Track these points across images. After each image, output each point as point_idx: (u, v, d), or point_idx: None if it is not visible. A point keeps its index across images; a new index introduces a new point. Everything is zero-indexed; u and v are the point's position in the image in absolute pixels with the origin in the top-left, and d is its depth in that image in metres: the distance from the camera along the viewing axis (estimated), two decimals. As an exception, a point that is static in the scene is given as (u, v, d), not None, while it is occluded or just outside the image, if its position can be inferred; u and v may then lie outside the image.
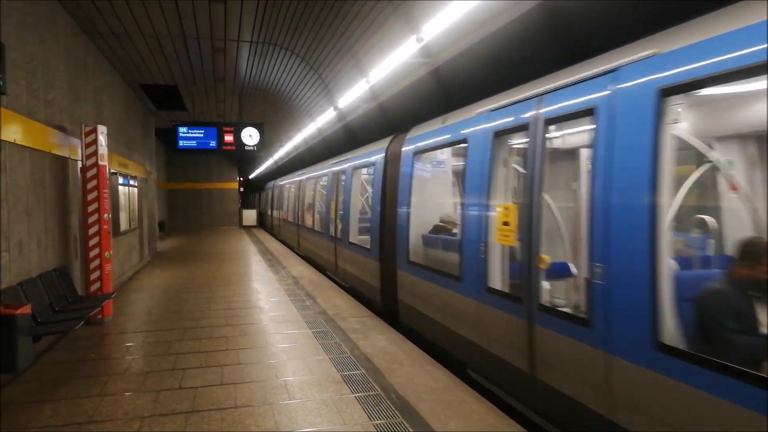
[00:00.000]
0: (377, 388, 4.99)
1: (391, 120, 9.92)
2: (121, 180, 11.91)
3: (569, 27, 4.88)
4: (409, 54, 6.84)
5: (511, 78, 5.42)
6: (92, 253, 7.65)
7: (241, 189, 33.96)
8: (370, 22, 7.44)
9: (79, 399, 4.76)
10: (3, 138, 5.45)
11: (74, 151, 7.89)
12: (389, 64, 7.53)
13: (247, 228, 30.49)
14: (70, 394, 4.90)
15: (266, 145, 16.87)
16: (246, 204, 35.66)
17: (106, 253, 7.74)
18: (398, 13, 6.69)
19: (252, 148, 14.30)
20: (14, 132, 5.73)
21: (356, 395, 4.82)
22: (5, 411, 4.52)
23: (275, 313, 8.22)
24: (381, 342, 6.54)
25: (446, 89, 7.41)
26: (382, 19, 7.16)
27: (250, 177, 39.67)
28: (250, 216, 32.57)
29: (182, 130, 14.11)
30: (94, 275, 7.66)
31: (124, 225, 12.12)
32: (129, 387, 5.08)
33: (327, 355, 6.03)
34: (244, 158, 31.46)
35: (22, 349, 4.89)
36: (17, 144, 5.81)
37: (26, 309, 5.02)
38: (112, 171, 10.69)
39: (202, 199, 30.30)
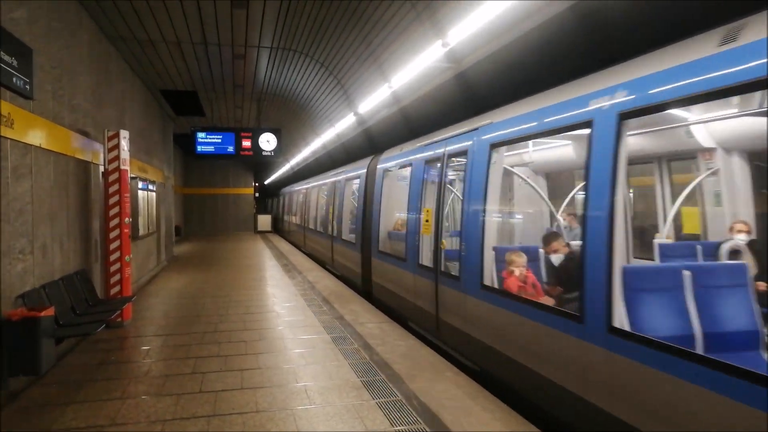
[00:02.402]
0: (398, 394, 4.96)
1: (413, 124, 9.91)
2: (140, 185, 12.02)
3: (595, 32, 4.84)
4: (433, 58, 6.82)
5: (536, 82, 5.39)
6: (113, 257, 7.71)
7: (257, 194, 34.13)
8: (393, 26, 7.44)
9: (101, 402, 4.78)
10: (30, 142, 5.51)
11: (96, 155, 7.98)
12: (413, 69, 7.52)
13: (262, 233, 30.60)
14: (92, 396, 4.92)
15: (283, 150, 16.92)
16: (261, 209, 35.79)
17: (126, 257, 7.80)
18: (422, 17, 6.69)
19: (269, 153, 14.36)
20: (40, 136, 5.81)
21: (377, 401, 4.79)
22: (28, 413, 4.55)
23: (293, 317, 8.22)
24: (400, 348, 6.50)
25: (469, 94, 7.39)
26: (405, 24, 7.17)
27: (266, 183, 39.88)
28: (264, 221, 32.71)
29: (200, 135, 14.21)
30: (115, 278, 7.72)
31: (142, 229, 12.22)
32: (150, 390, 5.09)
33: (346, 361, 6.01)
34: (260, 164, 31.64)
35: (46, 351, 4.93)
36: (42, 148, 5.88)
37: (49, 311, 5.06)
38: (132, 176, 10.79)
39: (218, 204, 30.52)
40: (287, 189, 28.51)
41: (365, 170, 11.38)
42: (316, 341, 6.87)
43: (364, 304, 9.25)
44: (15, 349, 4.76)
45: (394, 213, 10.00)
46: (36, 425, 4.31)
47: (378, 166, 10.37)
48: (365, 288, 10.83)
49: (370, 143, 13.06)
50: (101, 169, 8.03)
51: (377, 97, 9.72)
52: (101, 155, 7.99)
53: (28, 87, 5.34)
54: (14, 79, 5.01)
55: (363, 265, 11.06)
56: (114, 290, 7.72)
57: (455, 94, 7.74)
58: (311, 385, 5.23)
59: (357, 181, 12.16)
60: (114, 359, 6.14)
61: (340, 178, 13.84)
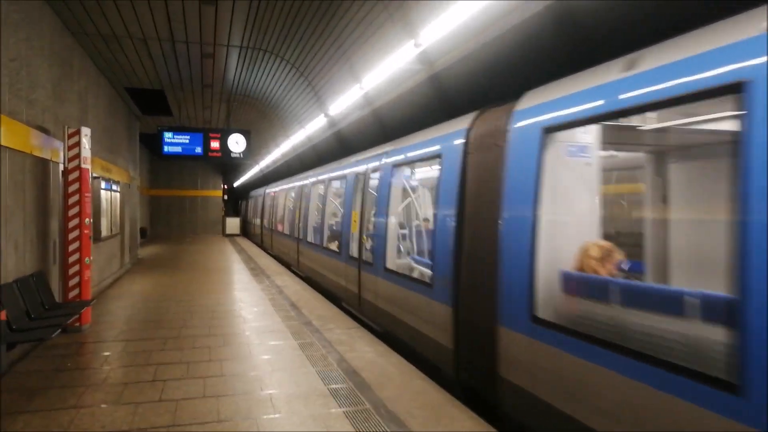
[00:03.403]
0: (366, 402, 4.85)
1: (386, 127, 9.84)
2: (103, 185, 11.67)
3: (574, 32, 4.84)
4: (406, 60, 6.76)
5: (511, 84, 5.37)
6: (72, 259, 7.42)
7: (225, 197, 33.63)
8: (366, 27, 7.36)
9: (54, 411, 4.56)
10: (-18, 137, 5.26)
11: (56, 153, 7.68)
12: (385, 70, 7.45)
13: (231, 236, 30.13)
14: (45, 405, 4.69)
15: (253, 152, 16.64)
16: (230, 212, 35.27)
17: (86, 259, 7.52)
18: (395, 18, 6.62)
19: (238, 155, 14.11)
20: (-6, 131, 5.54)
21: (344, 410, 4.68)
22: (-25, 423, 4.31)
23: (259, 323, 8.04)
24: (368, 354, 6.40)
25: (443, 96, 7.35)
26: (378, 24, 7.09)
27: (235, 185, 39.34)
28: (233, 224, 32.18)
29: (168, 135, 13.87)
30: (73, 281, 7.43)
31: (105, 231, 11.86)
32: (107, 398, 4.88)
33: (313, 368, 5.88)
34: (229, 166, 31.19)
35: (-5, 357, 4.68)
36: (-3, 144, 5.62)
37: (0, 316, 4.81)
38: (95, 175, 10.45)
39: (186, 207, 29.99)
40: (256, 192, 28.26)
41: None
42: (283, 347, 6.72)
43: (332, 310, 9.12)
44: (-39, 355, 4.51)
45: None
46: (-18, 436, 4.08)
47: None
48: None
49: (342, 146, 12.96)
50: (61, 167, 7.74)
51: (349, 98, 9.63)
52: (61, 153, 7.70)
53: (-19, 80, 5.09)
54: (-34, 71, 4.76)
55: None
56: (73, 293, 7.43)
57: (429, 96, 7.70)
58: (277, 393, 5.08)
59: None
60: (70, 366, 5.88)
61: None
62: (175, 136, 13.95)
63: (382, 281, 7.64)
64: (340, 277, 9.88)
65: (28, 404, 4.70)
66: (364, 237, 8.62)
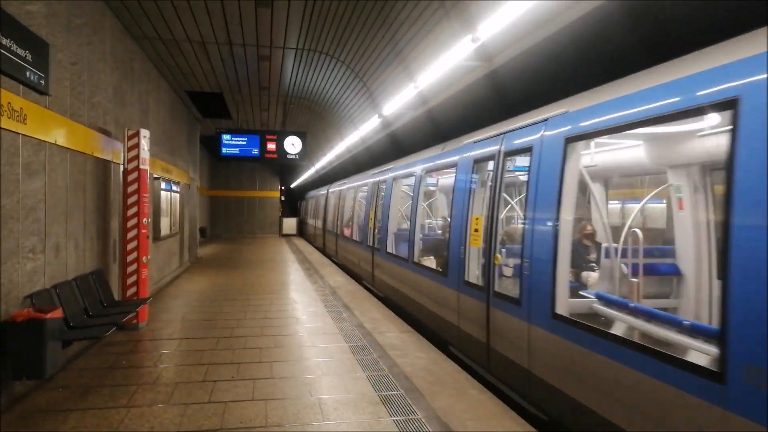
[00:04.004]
0: (417, 412, 4.64)
1: (440, 127, 9.58)
2: (163, 185, 11.95)
3: (645, 26, 4.47)
4: (462, 56, 6.46)
5: (577, 80, 5.03)
6: (130, 258, 7.56)
7: (282, 198, 34.15)
8: (421, 25, 7.15)
9: (106, 409, 4.58)
10: (43, 138, 5.38)
11: (117, 154, 7.87)
12: (440, 68, 7.14)
13: (287, 236, 30.56)
14: (98, 403, 4.72)
15: (308, 154, 16.74)
16: (287, 212, 35.78)
17: (144, 258, 7.64)
18: (450, 15, 6.39)
19: (294, 156, 14.20)
20: (55, 133, 5.67)
21: (395, 419, 4.49)
22: (29, 419, 4.37)
23: (311, 324, 7.97)
24: (421, 360, 6.18)
25: (502, 93, 7.05)
26: (434, 21, 6.86)
27: (291, 186, 39.93)
28: (290, 224, 32.66)
29: (226, 137, 14.13)
30: (131, 280, 7.57)
31: (164, 230, 12.14)
32: (157, 398, 4.88)
33: (364, 372, 5.71)
34: (286, 167, 31.65)
35: (51, 354, 4.75)
36: (58, 145, 5.75)
37: (57, 313, 4.89)
38: (155, 176, 10.71)
39: (244, 207, 30.59)
40: (315, 192, 27.42)
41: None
42: (334, 350, 6.59)
43: (384, 311, 8.95)
44: (19, 351, 4.59)
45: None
46: (36, 433, 4.12)
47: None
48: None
49: (395, 146, 12.78)
50: (121, 168, 7.91)
51: (402, 97, 9.38)
52: (122, 154, 7.87)
53: (43, 82, 5.20)
54: (28, 74, 4.87)
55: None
56: (130, 291, 7.57)
57: (485, 94, 7.41)
58: (326, 399, 4.95)
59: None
60: (125, 363, 5.95)
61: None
62: (233, 138, 14.20)
63: (549, 338, 4.56)
64: (447, 310, 6.99)
65: (82, 402, 4.75)
66: (497, 255, 5.70)
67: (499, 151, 5.81)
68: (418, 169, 9.01)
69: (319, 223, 23.18)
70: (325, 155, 21.61)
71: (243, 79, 12.18)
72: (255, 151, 14.34)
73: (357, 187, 14.89)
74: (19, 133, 4.85)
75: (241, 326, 7.78)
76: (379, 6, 7.40)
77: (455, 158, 7.20)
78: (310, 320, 8.26)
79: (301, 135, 14.27)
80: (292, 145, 14.28)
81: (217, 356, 6.25)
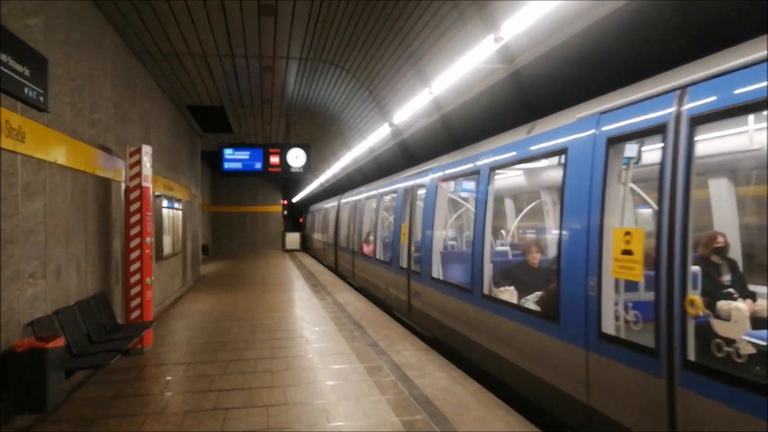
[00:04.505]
0: (443, 440, 4.36)
1: (454, 133, 9.28)
2: (165, 203, 11.69)
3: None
4: (481, 59, 6.23)
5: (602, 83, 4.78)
6: (133, 279, 7.30)
7: (285, 212, 33.93)
8: (434, 27, 6.90)
9: (112, 444, 4.29)
10: (43, 158, 5.14)
11: (119, 173, 7.63)
12: (458, 70, 6.87)
13: (290, 251, 30.27)
14: (103, 437, 4.44)
15: (312, 167, 16.49)
16: (290, 227, 35.52)
17: (148, 279, 7.38)
18: (465, 17, 6.15)
19: (298, 170, 13.93)
20: (55, 152, 5.43)
21: (420, 448, 4.20)
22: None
23: (322, 344, 7.68)
24: (441, 380, 5.89)
25: (524, 97, 6.79)
26: (449, 22, 6.57)
27: (294, 200, 39.71)
28: (293, 239, 32.42)
29: (228, 151, 13.87)
30: (135, 302, 7.29)
31: (167, 249, 11.86)
32: (166, 429, 4.59)
33: (382, 396, 5.42)
34: (288, 181, 31.45)
35: (53, 386, 4.47)
36: (58, 164, 5.51)
37: (59, 342, 4.61)
38: (157, 194, 10.47)
39: (246, 223, 30.36)
40: (322, 205, 25.43)
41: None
42: (349, 372, 6.30)
43: (398, 329, 8.66)
44: (20, 383, 4.31)
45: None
46: (38, 473, 3.83)
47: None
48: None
49: (406, 156, 12.51)
50: (123, 186, 7.67)
51: (416, 104, 9.03)
52: (123, 172, 7.63)
53: (42, 99, 4.96)
54: (26, 90, 4.63)
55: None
56: (134, 314, 7.29)
57: (504, 98, 7.16)
58: (344, 426, 4.66)
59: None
60: (131, 392, 5.67)
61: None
62: (235, 152, 13.93)
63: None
64: (560, 377, 4.64)
65: (87, 436, 4.47)
66: (695, 297, 3.29)
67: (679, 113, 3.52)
68: (483, 165, 6.57)
69: (330, 239, 20.48)
70: (330, 167, 21.38)
71: (245, 91, 11.98)
72: (258, 165, 14.06)
73: (380, 195, 12.45)
74: (17, 153, 4.61)
75: (249, 348, 7.50)
76: (388, 10, 7.17)
77: (566, 140, 4.79)
78: (321, 340, 7.97)
79: (305, 147, 14.03)
80: (296, 158, 14.01)
81: (227, 381, 5.97)
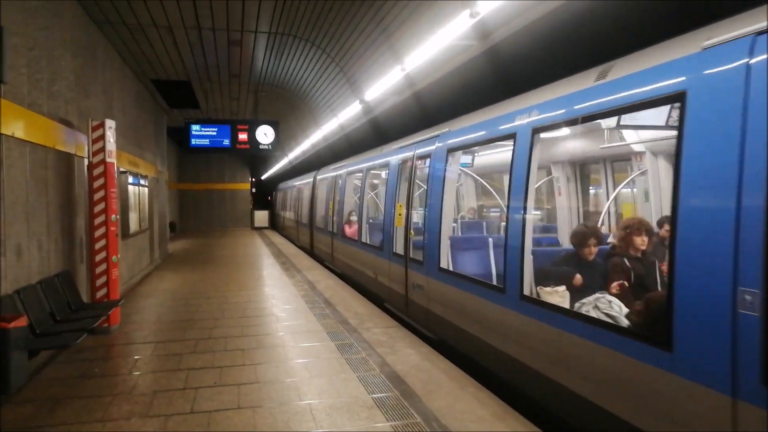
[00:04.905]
0: (416, 415, 4.39)
1: (428, 111, 9.20)
2: (131, 179, 11.41)
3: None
4: (455, 35, 6.14)
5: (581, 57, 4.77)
6: (98, 257, 7.11)
7: (253, 190, 33.52)
8: (407, 2, 6.79)
9: (79, 424, 4.20)
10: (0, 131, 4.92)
11: (81, 148, 7.37)
12: (429, 49, 6.77)
13: (259, 229, 30.00)
14: (70, 418, 4.34)
15: (282, 144, 16.23)
16: (258, 205, 35.13)
17: (114, 257, 7.20)
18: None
19: (267, 146, 13.76)
20: (12, 125, 5.20)
21: (392, 423, 4.23)
22: (-6, 440, 3.98)
23: (293, 322, 7.65)
24: (411, 357, 5.93)
25: (501, 73, 6.74)
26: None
27: (263, 178, 39.23)
28: (261, 217, 32.13)
29: (195, 127, 13.60)
30: (101, 281, 7.12)
31: (134, 226, 11.62)
32: (135, 410, 4.51)
33: (354, 373, 5.44)
34: (257, 158, 31.04)
35: (16, 367, 4.34)
36: (15, 138, 5.28)
37: (21, 321, 4.47)
38: (122, 170, 10.19)
39: (214, 200, 29.93)
40: (294, 182, 24.02)
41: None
42: (320, 349, 6.30)
43: (368, 306, 8.68)
44: (-21, 365, 4.18)
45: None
46: (1, 456, 3.74)
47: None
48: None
49: (378, 133, 12.42)
50: (86, 162, 7.42)
51: (387, 81, 8.91)
52: (86, 147, 7.38)
53: (-3, 68, 4.73)
54: (-21, 59, 4.40)
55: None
56: (100, 293, 7.12)
57: (479, 75, 7.11)
58: (316, 404, 4.66)
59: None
60: (98, 371, 5.55)
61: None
62: (202, 129, 13.69)
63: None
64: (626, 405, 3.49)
65: (51, 417, 4.36)
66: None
67: None
68: (521, 126, 5.01)
69: (304, 219, 18.90)
70: (300, 145, 21.13)
71: (212, 66, 11.68)
72: (226, 142, 13.85)
73: (367, 169, 10.81)
74: (-29, 125, 4.40)
75: (219, 326, 7.42)
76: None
77: (683, 80, 3.27)
78: (292, 317, 7.93)
79: (274, 124, 13.84)
80: (265, 134, 13.83)
81: (196, 360, 5.90)
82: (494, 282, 5.60)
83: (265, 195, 39.10)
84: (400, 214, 8.19)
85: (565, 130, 6.11)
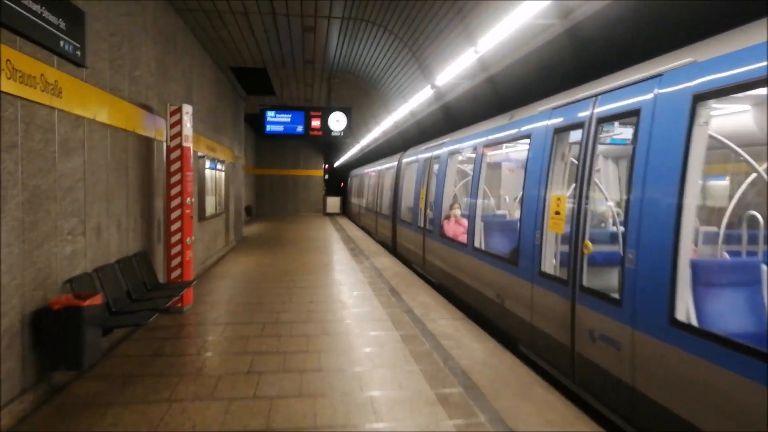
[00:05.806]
0: (479, 414, 4.19)
1: (502, 96, 8.82)
2: (208, 164, 11.73)
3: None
4: (534, 12, 5.75)
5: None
6: (173, 239, 7.32)
7: (326, 176, 33.97)
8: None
9: (146, 404, 4.30)
10: (81, 114, 5.09)
11: (160, 132, 7.60)
12: (506, 28, 6.37)
13: (331, 215, 30.41)
14: (138, 396, 4.45)
15: (353, 131, 16.24)
16: (330, 191, 35.63)
17: (188, 239, 7.39)
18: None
19: (339, 133, 13.80)
20: (95, 108, 5.38)
21: (455, 422, 4.05)
22: (65, 413, 4.11)
23: (359, 309, 7.59)
24: (477, 352, 5.71)
25: (581, 52, 6.31)
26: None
27: (335, 164, 39.71)
28: (333, 203, 32.63)
29: (270, 114, 13.85)
30: (175, 261, 7.33)
31: (210, 209, 11.96)
32: (200, 392, 4.58)
33: (417, 366, 5.29)
34: (330, 145, 31.40)
35: (89, 343, 4.50)
36: (97, 121, 5.46)
37: (96, 300, 4.62)
38: (200, 154, 10.48)
39: (288, 186, 30.56)
40: (368, 168, 22.18)
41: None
42: (385, 339, 6.19)
43: (434, 295, 8.50)
44: (55, 340, 4.35)
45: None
46: (72, 429, 3.86)
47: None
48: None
49: (449, 119, 12.13)
50: (165, 146, 7.64)
51: (460, 64, 8.44)
52: (165, 131, 7.59)
53: (79, 53, 4.88)
54: (61, 43, 4.55)
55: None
56: (175, 274, 7.34)
57: (560, 56, 6.70)
58: (378, 396, 4.55)
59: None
60: (168, 351, 5.70)
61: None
62: (277, 115, 13.90)
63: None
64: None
65: (122, 394, 4.49)
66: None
67: None
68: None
69: (384, 209, 16.42)
70: (370, 132, 21.11)
71: (287, 52, 11.78)
72: (299, 129, 14.02)
73: (481, 144, 7.72)
74: (54, 108, 4.56)
75: (286, 310, 7.48)
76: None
77: None
78: (358, 304, 7.88)
79: (347, 111, 13.84)
80: (337, 121, 13.88)
81: (262, 344, 5.94)
82: None
83: (337, 181, 39.58)
84: (557, 213, 5.23)
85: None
